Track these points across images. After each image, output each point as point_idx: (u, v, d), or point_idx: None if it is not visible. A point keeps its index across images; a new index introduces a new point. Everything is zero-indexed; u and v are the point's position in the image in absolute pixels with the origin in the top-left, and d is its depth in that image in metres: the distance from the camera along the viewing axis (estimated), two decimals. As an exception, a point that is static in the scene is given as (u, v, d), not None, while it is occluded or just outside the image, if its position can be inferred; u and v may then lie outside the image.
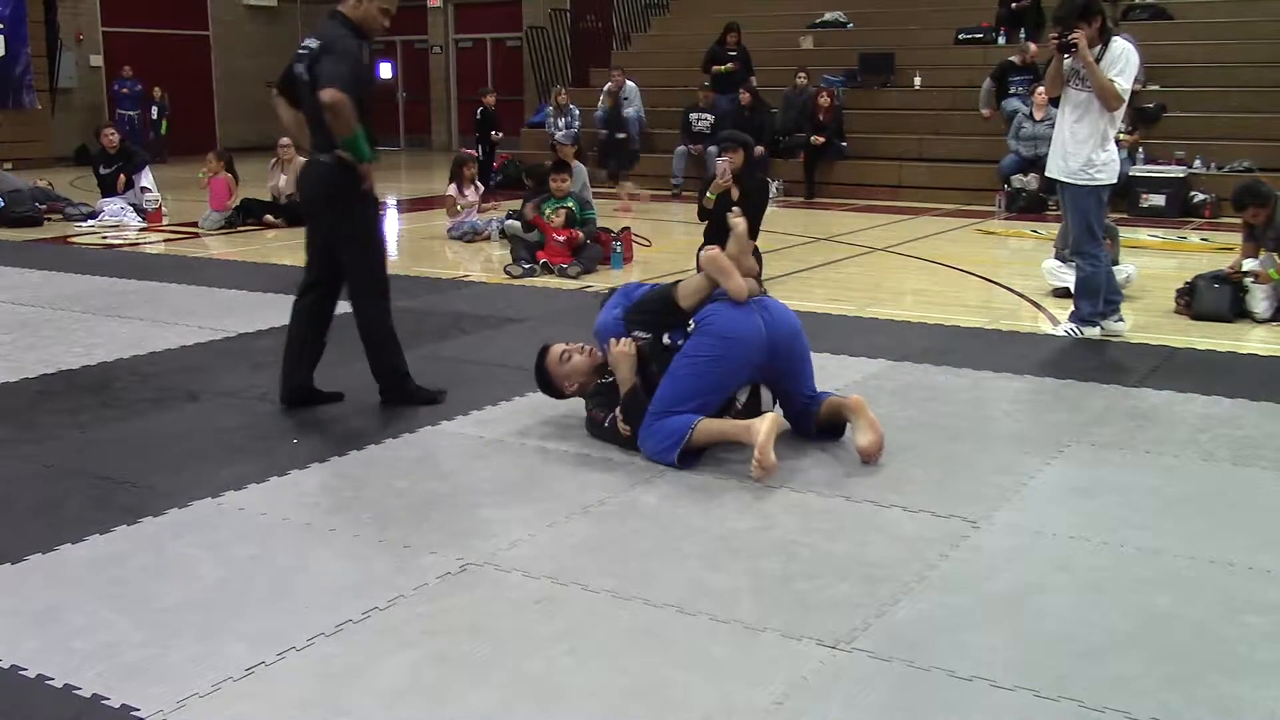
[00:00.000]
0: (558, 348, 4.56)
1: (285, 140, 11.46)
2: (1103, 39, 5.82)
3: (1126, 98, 5.90)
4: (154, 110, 19.33)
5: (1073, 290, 6.41)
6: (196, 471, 4.09)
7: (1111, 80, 5.77)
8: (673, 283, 4.34)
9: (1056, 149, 6.06)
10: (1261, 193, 6.85)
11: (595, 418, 4.42)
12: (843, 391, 4.73)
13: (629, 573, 3.25)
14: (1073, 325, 6.22)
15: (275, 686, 2.66)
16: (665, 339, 4.24)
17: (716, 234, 7.47)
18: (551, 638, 2.88)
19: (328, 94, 4.47)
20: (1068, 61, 5.88)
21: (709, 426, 4.07)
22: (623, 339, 4.33)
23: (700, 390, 4.12)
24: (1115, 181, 6.08)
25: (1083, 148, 5.91)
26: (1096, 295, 6.13)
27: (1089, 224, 6.04)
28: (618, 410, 4.30)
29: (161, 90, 19.29)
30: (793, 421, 4.39)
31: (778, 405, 4.39)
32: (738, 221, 4.46)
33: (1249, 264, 6.81)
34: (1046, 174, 6.37)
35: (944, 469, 4.12)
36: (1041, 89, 12.41)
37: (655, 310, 4.31)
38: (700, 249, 4.68)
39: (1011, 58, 13.27)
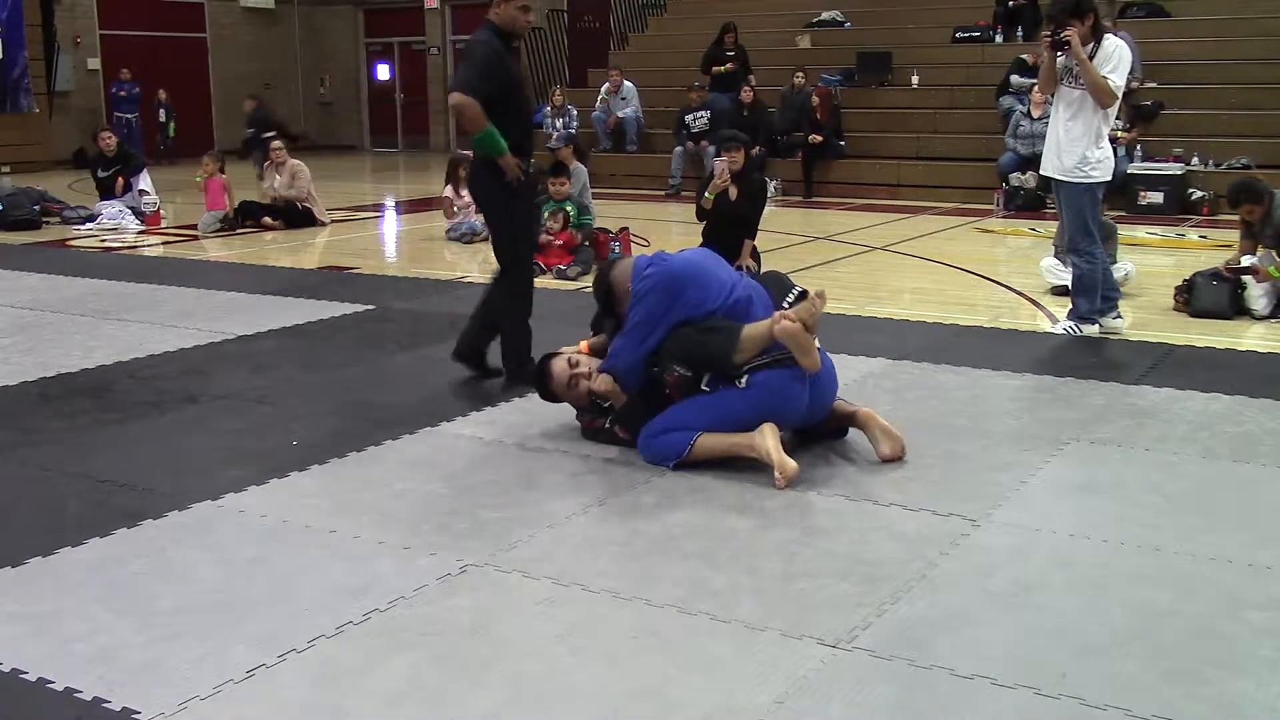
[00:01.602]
0: (562, 369, 4.41)
1: (277, 143, 11.48)
2: (1095, 36, 5.84)
3: (1120, 94, 5.91)
4: (160, 113, 19.31)
5: (1070, 288, 6.41)
6: (196, 474, 4.09)
7: (1105, 77, 5.78)
8: (734, 335, 4.01)
9: (1051, 147, 6.08)
10: (1256, 190, 6.85)
11: (595, 425, 4.41)
12: (841, 392, 4.73)
13: (629, 573, 3.25)
14: (1071, 323, 6.23)
15: (276, 688, 2.66)
16: (704, 383, 4.12)
17: (715, 233, 7.48)
18: (552, 638, 2.88)
19: (451, 97, 5.00)
20: (1061, 59, 5.90)
21: (708, 443, 4.05)
22: (602, 375, 4.26)
23: (714, 430, 4.08)
24: (1110, 179, 6.09)
25: (1077, 145, 5.92)
26: (1094, 293, 6.14)
27: (1084, 221, 6.05)
28: (611, 420, 4.31)
29: (166, 93, 19.28)
30: (799, 430, 4.39)
31: None
32: (819, 303, 4.03)
33: (1246, 260, 6.82)
34: (1041, 172, 6.38)
35: (944, 467, 4.12)
36: (1037, 88, 12.44)
37: (709, 360, 4.08)
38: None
39: (1023, 55, 13.22)
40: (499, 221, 5.31)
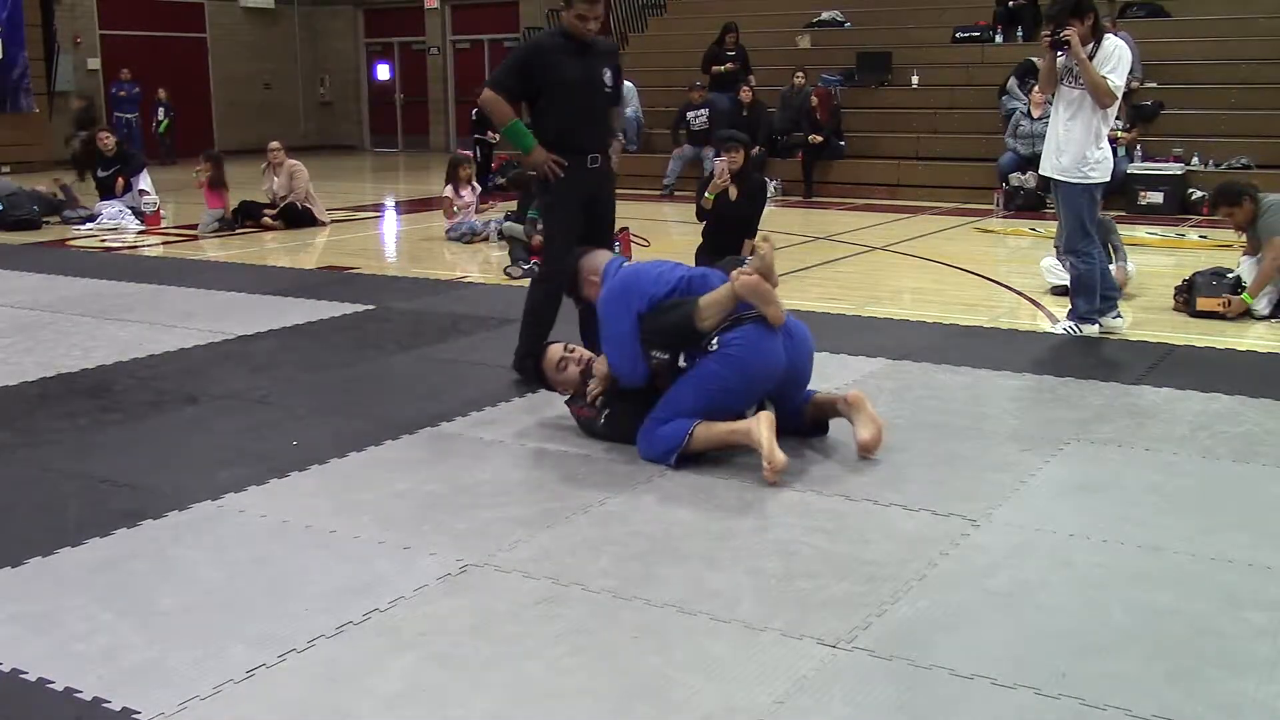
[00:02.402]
0: (556, 353, 4.59)
1: (275, 144, 11.48)
2: (1095, 36, 5.84)
3: (1120, 94, 5.91)
4: (160, 112, 19.29)
5: (1069, 288, 6.42)
6: (196, 474, 4.09)
7: (1104, 77, 5.78)
8: (692, 303, 4.12)
9: (1050, 147, 6.08)
10: (1232, 191, 6.82)
11: (586, 414, 4.44)
12: (841, 391, 4.73)
13: (629, 573, 3.25)
14: (1071, 323, 6.23)
15: (276, 688, 2.66)
16: (682, 361, 4.14)
17: (715, 233, 7.48)
18: (552, 638, 2.88)
19: (481, 94, 5.23)
20: (1060, 59, 5.91)
21: (706, 432, 4.06)
22: (600, 366, 4.36)
23: (707, 409, 4.10)
24: (1109, 179, 6.08)
25: (1076, 145, 5.92)
26: (1093, 293, 6.15)
27: (1082, 222, 6.05)
28: (603, 420, 4.36)
29: (166, 92, 19.28)
30: (782, 418, 4.38)
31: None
32: (765, 247, 4.15)
33: (1246, 262, 6.80)
34: (1040, 172, 6.35)
35: (943, 467, 4.12)
36: (1037, 88, 12.44)
37: (675, 333, 4.13)
38: (716, 261, 4.43)
39: (1033, 58, 13.17)
40: (541, 215, 5.65)
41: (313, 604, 3.07)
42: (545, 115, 5.20)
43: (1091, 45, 5.82)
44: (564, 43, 5.21)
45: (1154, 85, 13.11)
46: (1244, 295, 6.57)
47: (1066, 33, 5.75)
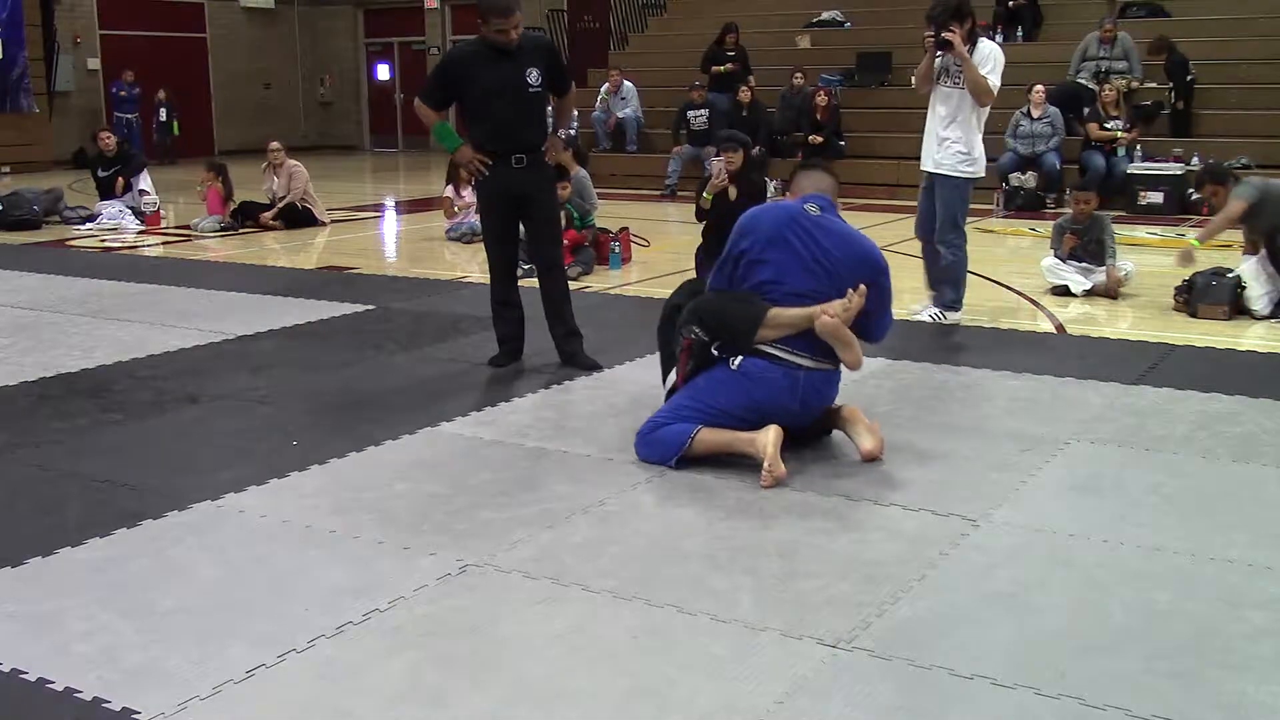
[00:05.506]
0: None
1: (275, 144, 11.48)
2: (972, 40, 6.19)
3: (995, 93, 6.24)
4: (162, 112, 19.30)
5: (938, 277, 6.62)
6: (196, 474, 4.09)
7: (984, 76, 6.14)
8: (764, 309, 4.06)
9: (929, 143, 6.41)
10: (1218, 172, 6.92)
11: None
12: (842, 392, 4.73)
13: (629, 573, 3.25)
14: (937, 310, 6.54)
15: (276, 689, 2.66)
16: (714, 348, 4.13)
17: (715, 233, 7.48)
18: (552, 638, 2.88)
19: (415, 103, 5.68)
20: (939, 60, 6.27)
21: (709, 437, 4.05)
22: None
23: (707, 421, 4.08)
24: (983, 175, 6.47)
25: (955, 143, 6.28)
26: (959, 282, 6.50)
27: (954, 215, 6.42)
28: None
29: (167, 92, 19.28)
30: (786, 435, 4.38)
31: None
32: (857, 300, 4.06)
33: (1246, 262, 6.80)
34: (921, 167, 6.56)
35: (943, 467, 4.12)
36: (1040, 87, 12.46)
37: (729, 324, 4.09)
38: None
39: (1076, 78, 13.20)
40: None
41: (313, 604, 3.07)
42: (469, 120, 5.48)
43: (969, 48, 6.15)
44: (482, 50, 5.41)
45: (1154, 85, 13.10)
46: (1191, 239, 6.69)
47: (949, 34, 6.10)
